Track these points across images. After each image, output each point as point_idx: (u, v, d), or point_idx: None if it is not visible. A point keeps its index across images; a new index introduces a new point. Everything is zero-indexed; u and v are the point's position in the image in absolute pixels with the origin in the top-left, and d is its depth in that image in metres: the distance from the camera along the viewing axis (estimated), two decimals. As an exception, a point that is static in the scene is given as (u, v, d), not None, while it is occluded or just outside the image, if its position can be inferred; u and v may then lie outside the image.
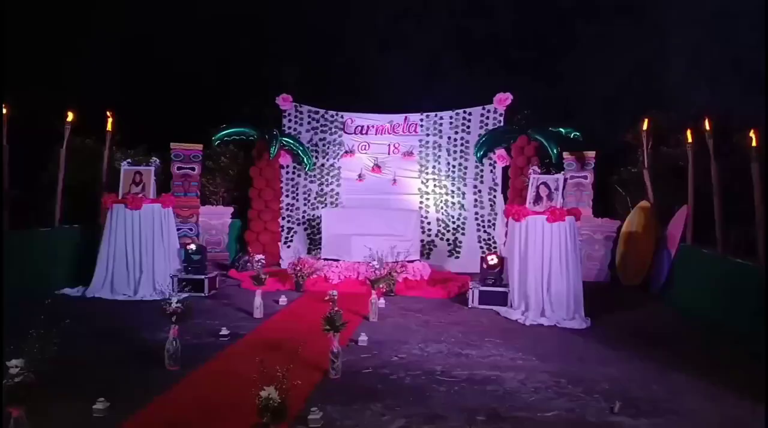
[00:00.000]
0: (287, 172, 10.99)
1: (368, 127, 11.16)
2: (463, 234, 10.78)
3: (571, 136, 9.97)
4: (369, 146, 11.12)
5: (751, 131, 6.29)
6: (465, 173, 10.93)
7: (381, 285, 7.41)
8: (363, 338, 5.70)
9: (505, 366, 5.11)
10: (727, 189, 8.09)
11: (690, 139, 7.97)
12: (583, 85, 12.35)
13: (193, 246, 8.40)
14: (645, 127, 9.22)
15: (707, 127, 7.22)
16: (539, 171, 7.68)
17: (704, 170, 7.96)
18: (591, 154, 10.14)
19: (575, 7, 11.46)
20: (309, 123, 11.13)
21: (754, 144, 6.12)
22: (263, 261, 7.08)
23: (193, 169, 10.34)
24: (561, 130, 10.01)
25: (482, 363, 5.20)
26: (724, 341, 6.02)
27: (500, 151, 10.65)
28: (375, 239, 8.75)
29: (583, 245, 9.59)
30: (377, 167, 11.04)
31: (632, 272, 9.17)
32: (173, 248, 8.32)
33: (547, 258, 6.96)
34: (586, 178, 10.12)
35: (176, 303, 4.94)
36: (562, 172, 8.21)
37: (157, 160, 8.83)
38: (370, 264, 7.52)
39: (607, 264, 9.71)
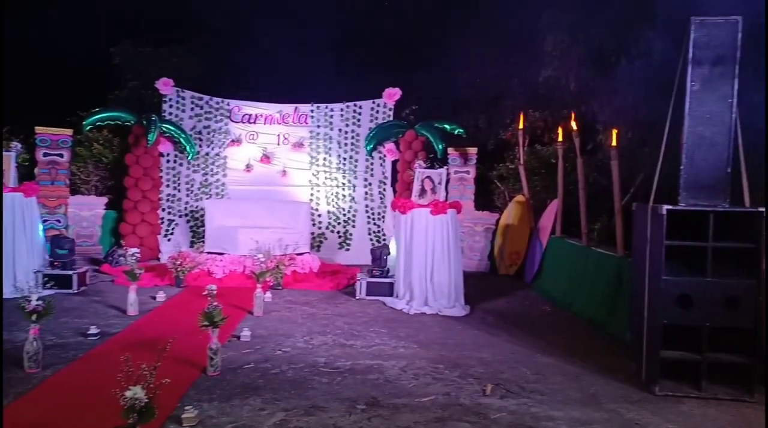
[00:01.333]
0: (168, 161, 10.45)
1: (256, 116, 10.88)
2: (353, 226, 10.86)
3: (456, 133, 10.40)
4: (257, 136, 10.85)
5: (613, 130, 6.86)
6: (356, 166, 11.00)
7: (267, 279, 7.27)
8: (246, 333, 5.56)
9: (387, 355, 5.22)
10: (592, 184, 8.81)
11: (560, 138, 8.56)
12: (469, 84, 12.89)
13: (59, 239, 7.74)
14: (521, 125, 9.79)
15: (574, 126, 7.79)
16: (424, 165, 7.90)
17: (573, 167, 8.61)
18: (473, 150, 10.60)
19: (465, 6, 11.89)
20: (192, 109, 10.64)
21: (614, 143, 6.68)
22: (138, 255, 6.68)
23: (61, 155, 9.54)
24: (446, 126, 10.40)
25: (365, 353, 5.27)
26: (587, 325, 6.55)
27: (389, 145, 10.84)
28: (263, 232, 8.57)
29: (465, 237, 10.05)
30: (266, 157, 10.81)
31: (508, 262, 9.74)
32: (37, 241, 7.62)
33: (431, 249, 7.19)
34: (468, 172, 10.57)
35: (36, 300, 4.55)
36: (446, 167, 8.50)
37: (19, 145, 8.03)
38: (256, 258, 7.35)
39: (487, 255, 10.22)
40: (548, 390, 4.44)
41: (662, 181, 4.85)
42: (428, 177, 7.62)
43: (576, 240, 7.94)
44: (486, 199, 11.05)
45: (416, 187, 7.62)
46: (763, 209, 4.37)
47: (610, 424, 3.84)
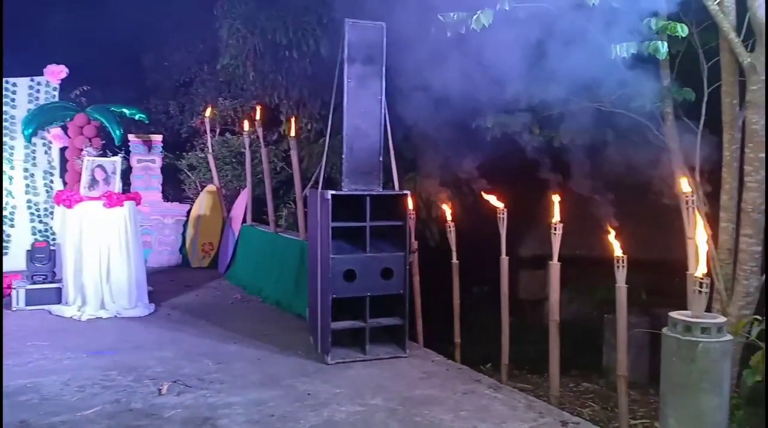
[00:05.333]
0: None
1: None
2: (12, 226, 9.14)
3: (136, 118, 9.59)
4: None
5: (291, 121, 7.19)
6: (12, 154, 9.24)
7: None
8: None
9: (47, 370, 4.54)
10: (280, 172, 9.18)
11: (247, 127, 8.64)
12: (158, 68, 12.09)
13: None
14: (209, 114, 9.59)
15: (258, 116, 7.94)
16: (94, 153, 7.11)
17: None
18: (158, 137, 9.99)
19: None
20: None
21: (292, 133, 7.01)
22: None
23: None
24: (125, 110, 9.49)
25: (19, 372, 4.49)
26: (275, 308, 6.78)
27: (56, 130, 9.42)
28: None
29: (153, 230, 9.47)
30: None
31: (201, 254, 9.50)
32: None
33: (106, 246, 6.50)
34: (154, 161, 9.91)
35: None
36: (121, 154, 7.82)
37: None
38: None
39: (179, 248, 9.78)
40: (229, 377, 4.43)
41: (332, 169, 5.29)
42: (100, 166, 6.88)
43: (265, 227, 8.14)
44: (176, 189, 10.55)
45: (86, 178, 6.80)
46: (407, 192, 5.12)
47: (285, 399, 4.02)
